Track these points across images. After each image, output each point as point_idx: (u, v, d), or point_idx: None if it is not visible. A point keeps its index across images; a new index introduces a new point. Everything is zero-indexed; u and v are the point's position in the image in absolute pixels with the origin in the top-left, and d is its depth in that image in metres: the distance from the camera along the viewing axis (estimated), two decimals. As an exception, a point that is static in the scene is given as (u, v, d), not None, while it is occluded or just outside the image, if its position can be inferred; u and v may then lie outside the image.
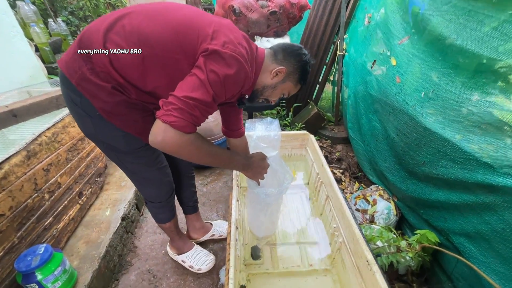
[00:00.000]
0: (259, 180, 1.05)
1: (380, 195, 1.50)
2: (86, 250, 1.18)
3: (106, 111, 0.79)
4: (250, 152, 1.25)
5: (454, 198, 1.02)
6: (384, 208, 1.43)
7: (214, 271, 1.34)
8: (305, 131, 1.70)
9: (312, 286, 1.16)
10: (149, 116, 0.86)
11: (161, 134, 0.69)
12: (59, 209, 1.15)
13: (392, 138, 1.37)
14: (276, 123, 1.71)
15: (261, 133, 1.65)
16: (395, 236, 1.14)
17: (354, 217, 1.06)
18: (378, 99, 1.48)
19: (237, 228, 1.14)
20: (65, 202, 1.20)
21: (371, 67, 1.58)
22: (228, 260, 0.90)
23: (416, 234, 1.15)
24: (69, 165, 1.22)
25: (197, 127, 0.75)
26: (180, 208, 1.38)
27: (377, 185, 1.60)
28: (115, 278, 1.25)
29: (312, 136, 1.65)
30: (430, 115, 1.11)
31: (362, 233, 0.99)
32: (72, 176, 1.25)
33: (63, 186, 1.18)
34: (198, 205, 1.41)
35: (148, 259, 1.38)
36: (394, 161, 1.40)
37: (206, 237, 1.47)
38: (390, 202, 1.46)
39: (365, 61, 1.67)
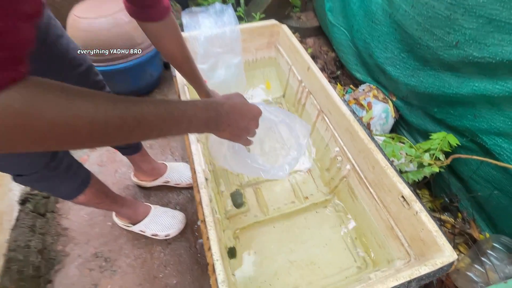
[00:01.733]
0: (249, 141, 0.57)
1: (374, 96, 1.20)
2: (-32, 269, 0.73)
3: None
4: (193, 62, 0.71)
5: (502, 88, 0.74)
6: (381, 111, 1.16)
7: (187, 230, 1.04)
8: (273, 21, 1.17)
9: (315, 224, 0.94)
10: None
11: None
12: None
13: (402, 14, 0.96)
14: (229, 12, 1.11)
15: (210, 30, 1.08)
16: (413, 149, 0.89)
17: (373, 139, 0.75)
18: (381, -49, 0.96)
19: (206, 179, 0.76)
20: None
21: None
22: (210, 250, 0.55)
23: (432, 139, 0.92)
24: None
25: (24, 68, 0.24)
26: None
27: (367, 83, 1.28)
28: (45, 281, 0.88)
29: (284, 27, 1.14)
30: (484, -42, 0.68)
31: (389, 161, 0.70)
32: None
33: None
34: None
35: (91, 239, 0.99)
36: (401, 48, 1.03)
37: (158, 182, 1.10)
38: (387, 102, 1.18)
39: None
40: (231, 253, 0.87)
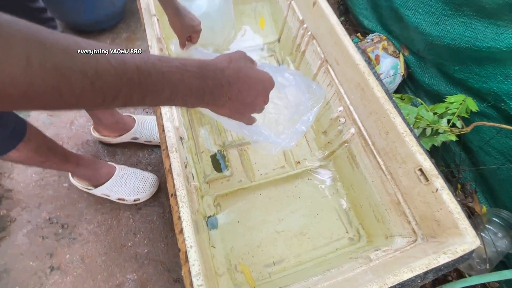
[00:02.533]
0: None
1: (384, 48, 1.02)
2: None
3: None
4: None
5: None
6: (390, 67, 1.00)
7: (161, 194, 0.91)
8: None
9: (306, 192, 0.84)
10: None
11: None
12: None
13: None
14: None
15: None
16: (430, 113, 0.77)
17: (391, 99, 0.60)
18: None
19: (181, 139, 0.61)
20: None
21: None
22: (181, 232, 0.42)
23: (448, 102, 0.80)
24: None
25: None
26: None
27: (377, 33, 1.09)
28: (-15, 252, 0.74)
29: None
30: None
31: (409, 127, 0.57)
32: None
33: None
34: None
35: (43, 203, 0.84)
36: (428, -15, 0.83)
37: (125, 139, 0.93)
38: (397, 57, 1.01)
39: None
40: (211, 222, 0.76)
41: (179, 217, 0.43)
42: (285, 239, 0.77)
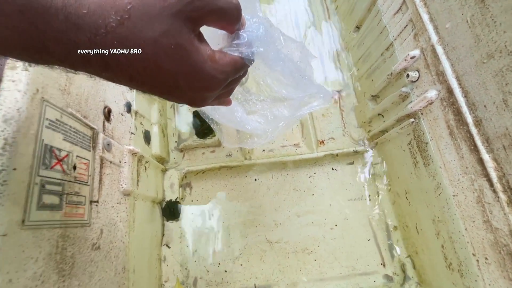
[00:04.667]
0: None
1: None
2: None
3: None
4: None
5: None
6: None
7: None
8: None
9: (327, 188, 0.54)
10: None
11: None
12: None
13: None
14: None
15: None
16: None
17: None
18: None
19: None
20: None
21: None
22: None
23: None
24: None
25: None
26: None
27: None
28: None
29: None
30: None
31: None
32: None
33: None
34: None
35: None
36: None
37: None
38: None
39: None
40: (171, 211, 0.51)
41: None
42: (278, 254, 0.50)
